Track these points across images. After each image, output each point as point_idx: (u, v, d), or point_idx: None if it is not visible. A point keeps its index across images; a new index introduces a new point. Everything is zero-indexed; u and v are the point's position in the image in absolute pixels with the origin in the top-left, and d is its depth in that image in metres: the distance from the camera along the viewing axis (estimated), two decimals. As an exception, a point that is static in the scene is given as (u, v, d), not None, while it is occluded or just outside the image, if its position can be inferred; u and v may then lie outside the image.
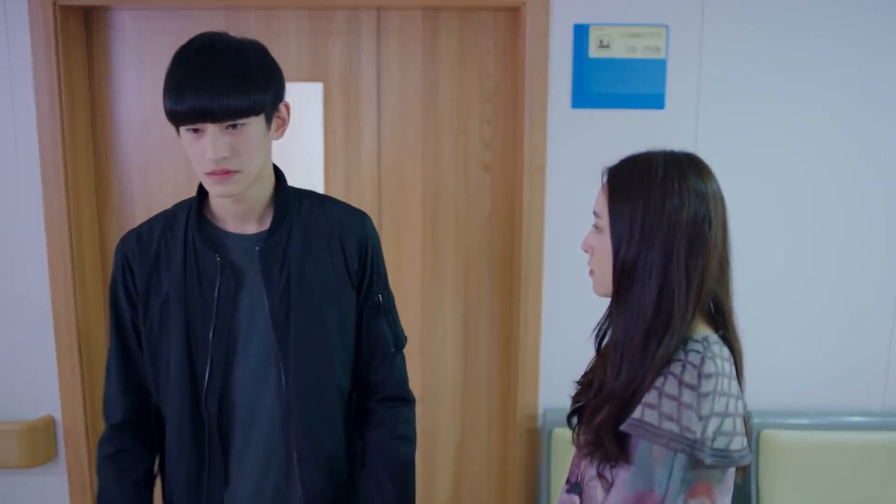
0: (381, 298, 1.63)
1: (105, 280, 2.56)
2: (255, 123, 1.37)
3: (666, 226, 1.22)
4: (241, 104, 1.32)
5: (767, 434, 2.42)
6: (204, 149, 1.34)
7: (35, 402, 2.51)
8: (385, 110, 2.51)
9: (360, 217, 1.61)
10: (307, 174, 2.51)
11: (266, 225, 1.51)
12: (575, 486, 1.38)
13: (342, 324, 1.56)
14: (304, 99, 2.44)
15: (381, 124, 2.51)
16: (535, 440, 2.54)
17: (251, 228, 1.51)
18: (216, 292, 1.46)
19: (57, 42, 2.32)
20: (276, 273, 1.48)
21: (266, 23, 2.45)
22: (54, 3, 2.29)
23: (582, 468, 1.35)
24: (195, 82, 1.30)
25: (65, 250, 2.40)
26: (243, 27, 2.43)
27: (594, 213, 1.33)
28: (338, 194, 2.50)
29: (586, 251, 1.38)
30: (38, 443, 2.49)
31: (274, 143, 1.48)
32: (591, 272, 1.37)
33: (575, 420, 1.43)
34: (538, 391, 2.52)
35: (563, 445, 2.38)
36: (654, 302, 1.22)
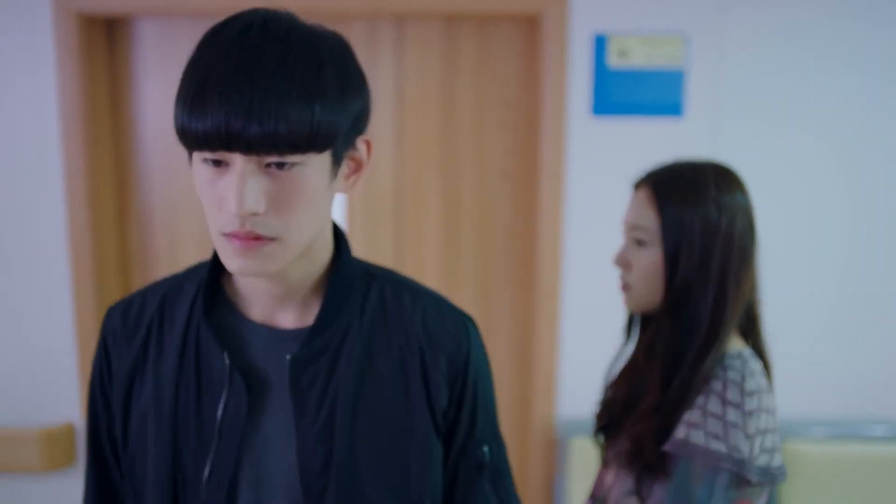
0: (486, 453, 1.10)
1: (127, 287, 2.59)
2: (316, 164, 0.88)
3: (722, 240, 1.23)
4: (300, 130, 0.83)
5: (787, 447, 2.39)
6: (224, 194, 0.85)
7: (56, 408, 2.54)
8: (404, 118, 2.52)
9: (458, 323, 1.08)
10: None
11: (310, 317, 1.01)
12: (598, 502, 1.37)
13: (416, 490, 1.02)
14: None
15: (400, 132, 2.52)
16: (552, 451, 2.53)
17: (287, 320, 1.01)
18: (220, 411, 0.97)
19: (80, 52, 2.35)
20: (314, 397, 0.97)
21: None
22: (77, 14, 2.32)
23: (608, 483, 1.34)
24: (227, 86, 0.81)
25: (87, 257, 2.43)
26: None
27: (633, 225, 1.30)
28: (356, 203, 2.53)
29: (621, 266, 1.34)
30: (58, 447, 2.51)
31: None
32: (626, 287, 1.34)
33: (601, 436, 1.42)
34: (554, 401, 2.51)
35: (581, 456, 2.36)
36: (709, 316, 1.23)
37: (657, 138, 2.37)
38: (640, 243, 1.29)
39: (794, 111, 2.37)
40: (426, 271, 2.59)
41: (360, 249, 2.57)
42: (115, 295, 2.55)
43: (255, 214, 0.85)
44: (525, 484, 2.65)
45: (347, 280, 1.02)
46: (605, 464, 1.38)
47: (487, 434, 1.10)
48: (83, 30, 2.35)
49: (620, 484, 1.28)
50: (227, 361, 0.97)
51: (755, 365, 1.24)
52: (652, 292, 1.28)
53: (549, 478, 2.56)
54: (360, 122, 0.94)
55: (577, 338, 2.48)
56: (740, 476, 1.15)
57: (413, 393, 1.02)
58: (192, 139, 0.84)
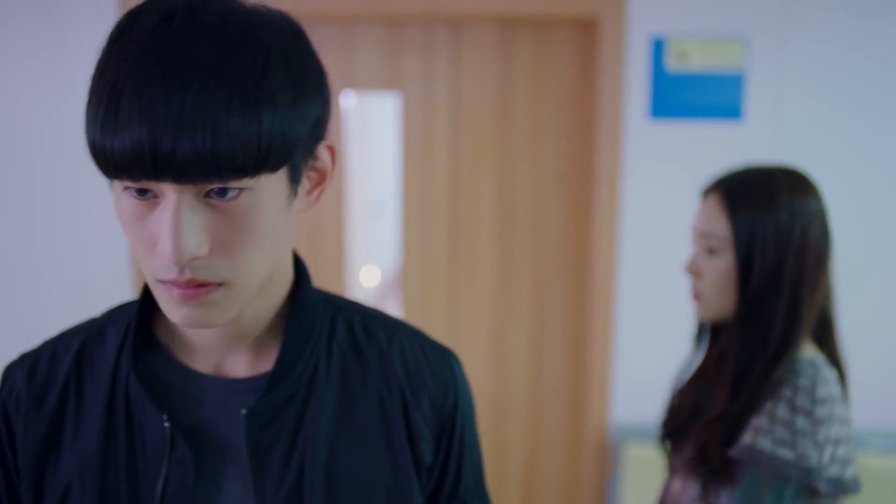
0: None
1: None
2: (269, 187, 0.71)
3: (795, 247, 1.21)
4: (245, 147, 0.65)
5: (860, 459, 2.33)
6: (156, 234, 0.68)
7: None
8: (460, 121, 2.52)
9: (441, 362, 0.92)
10: (380, 184, 2.54)
11: (267, 362, 0.83)
12: None
13: None
14: (380, 109, 2.47)
15: (456, 135, 2.52)
16: (605, 456, 2.51)
17: (238, 367, 0.83)
18: (159, 487, 0.78)
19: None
20: (277, 460, 0.80)
21: (343, 36, 2.49)
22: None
23: (675, 491, 1.33)
24: (148, 93, 0.63)
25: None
26: (318, 41, 2.47)
27: (704, 233, 1.28)
28: (411, 205, 2.54)
29: (692, 274, 1.32)
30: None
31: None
32: (698, 296, 1.32)
33: (668, 443, 1.40)
34: (607, 406, 2.49)
35: (635, 462, 2.34)
36: (782, 324, 1.21)
37: (716, 142, 2.33)
38: (711, 251, 1.27)
39: (857, 115, 2.32)
40: (480, 274, 2.59)
41: (414, 252, 2.58)
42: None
43: (197, 258, 0.68)
44: (576, 490, 2.64)
45: (310, 314, 0.85)
46: (673, 471, 1.36)
47: (472, 490, 0.95)
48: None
49: (688, 491, 1.27)
50: (166, 424, 0.78)
51: (829, 373, 1.21)
52: (724, 301, 1.26)
53: (602, 483, 2.54)
54: (320, 126, 0.75)
55: (631, 342, 2.46)
56: (809, 485, 1.13)
57: (397, 447, 0.85)
58: (108, 163, 0.65)
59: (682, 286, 2.13)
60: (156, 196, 0.68)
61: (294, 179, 0.74)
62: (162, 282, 0.70)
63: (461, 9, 2.35)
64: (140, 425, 0.80)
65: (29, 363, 0.85)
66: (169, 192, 0.66)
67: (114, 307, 0.89)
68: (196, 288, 0.69)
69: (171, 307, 0.71)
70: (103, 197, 2.44)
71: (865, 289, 2.40)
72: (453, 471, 0.91)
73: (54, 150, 2.45)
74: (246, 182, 0.67)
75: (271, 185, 0.70)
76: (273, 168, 0.69)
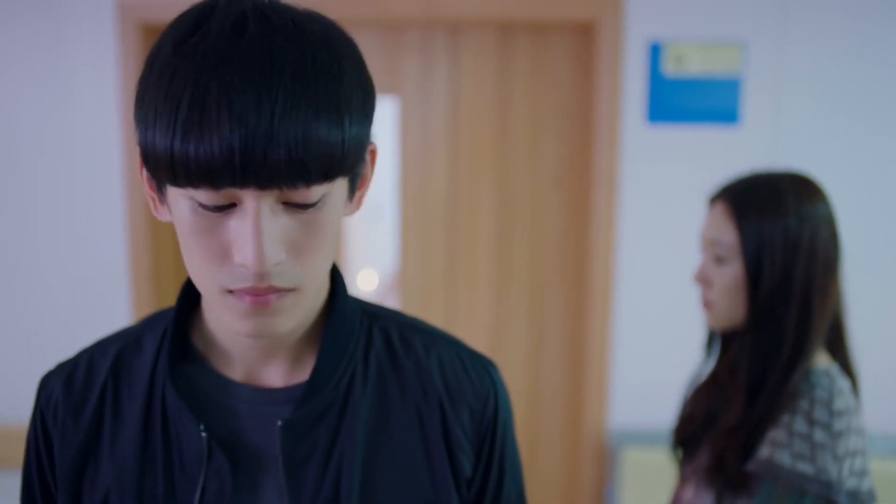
0: None
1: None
2: (338, 191, 0.72)
3: (804, 253, 1.20)
4: (331, 153, 0.66)
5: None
6: (235, 243, 0.68)
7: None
8: (458, 126, 2.52)
9: (481, 372, 0.91)
10: (378, 188, 2.54)
11: (303, 372, 0.83)
12: None
13: None
14: (379, 112, 2.48)
15: (454, 139, 2.53)
16: (603, 460, 2.51)
17: (274, 376, 0.83)
18: (197, 496, 0.78)
19: (142, 60, 2.39)
20: (313, 472, 0.79)
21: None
22: (140, 24, 2.37)
23: (686, 500, 1.31)
24: (237, 99, 0.62)
25: (146, 260, 2.48)
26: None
27: (712, 241, 1.28)
28: (410, 210, 2.55)
29: (701, 283, 1.31)
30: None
31: None
32: (708, 305, 1.31)
33: (679, 451, 1.40)
34: (605, 411, 2.49)
35: (633, 467, 2.34)
36: (794, 331, 1.20)
37: (713, 146, 2.34)
38: (719, 259, 1.26)
39: (855, 119, 2.33)
40: (478, 277, 2.59)
41: (412, 256, 2.59)
42: (172, 300, 2.59)
43: (277, 265, 0.68)
44: (575, 494, 2.64)
45: (347, 324, 0.84)
46: (684, 479, 1.35)
47: (514, 501, 0.92)
48: (146, 39, 2.40)
49: (700, 501, 1.26)
50: (203, 433, 0.77)
51: (843, 383, 1.20)
52: (734, 309, 1.25)
53: (600, 488, 2.54)
54: (369, 131, 0.76)
55: (630, 346, 2.46)
56: (827, 499, 1.11)
57: (435, 459, 0.83)
58: (190, 172, 0.63)
59: (680, 290, 2.14)
60: (232, 205, 0.67)
61: (353, 183, 0.75)
62: (231, 292, 0.69)
63: (460, 13, 2.36)
64: (177, 434, 0.79)
65: (66, 372, 0.85)
66: (248, 200, 0.65)
67: (150, 314, 0.89)
68: (268, 295, 0.69)
69: (240, 318, 0.70)
70: (103, 197, 2.46)
71: (866, 293, 2.40)
72: (494, 483, 0.89)
73: (54, 150, 2.45)
74: (326, 187, 0.68)
75: (339, 189, 0.72)
76: (347, 172, 0.70)
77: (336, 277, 0.85)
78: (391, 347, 0.86)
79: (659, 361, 2.39)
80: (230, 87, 0.62)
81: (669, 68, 2.31)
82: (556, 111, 2.50)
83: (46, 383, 0.85)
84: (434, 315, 2.59)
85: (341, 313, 0.83)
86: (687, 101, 2.33)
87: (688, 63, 2.31)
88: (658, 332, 2.41)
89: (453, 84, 2.50)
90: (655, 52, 2.31)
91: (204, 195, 0.65)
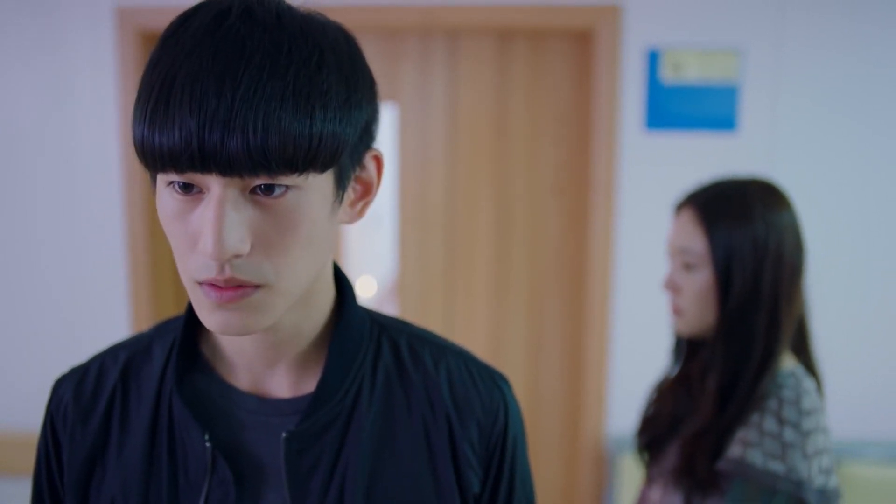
0: None
1: (183, 297, 2.64)
2: (316, 188, 0.70)
3: (773, 260, 1.22)
4: (296, 143, 0.65)
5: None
6: (198, 230, 0.67)
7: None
8: (457, 132, 2.53)
9: (491, 386, 0.88)
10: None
11: (309, 383, 0.82)
12: None
13: None
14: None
15: (453, 146, 2.54)
16: (601, 467, 2.51)
17: (280, 387, 0.82)
18: None
19: (140, 67, 2.40)
20: (317, 486, 0.79)
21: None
22: (138, 31, 2.38)
23: (653, 501, 1.33)
24: (199, 86, 0.63)
25: (145, 265, 2.48)
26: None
27: (680, 248, 1.28)
28: (408, 216, 2.55)
29: (670, 290, 1.32)
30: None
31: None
32: (677, 311, 1.32)
33: (645, 453, 1.41)
34: (603, 417, 2.49)
35: (631, 473, 2.34)
36: (764, 336, 1.21)
37: (710, 153, 2.35)
38: (688, 267, 1.27)
39: (852, 126, 2.34)
40: (476, 284, 2.60)
41: (411, 262, 2.59)
42: (170, 305, 2.60)
43: (238, 256, 0.66)
44: (573, 500, 2.64)
45: (355, 334, 0.83)
46: (650, 480, 1.36)
47: None
48: (144, 46, 2.40)
49: (668, 501, 1.27)
50: (208, 443, 0.77)
51: (809, 383, 1.22)
52: (704, 315, 1.27)
53: (598, 494, 2.54)
54: (368, 133, 0.76)
55: (628, 353, 2.46)
56: (798, 497, 1.13)
57: (442, 474, 0.82)
58: (155, 157, 0.64)
59: (677, 296, 2.14)
60: (200, 192, 0.67)
61: (340, 185, 0.73)
62: (200, 284, 0.68)
63: (458, 20, 2.36)
64: (182, 444, 0.79)
65: (77, 377, 0.85)
66: (214, 187, 0.65)
67: (161, 322, 0.89)
68: (234, 290, 0.67)
69: (208, 312, 0.70)
70: (103, 197, 2.46)
71: (861, 298, 2.40)
72: (503, 499, 0.87)
73: (54, 152, 2.46)
74: (293, 179, 0.66)
75: (318, 186, 0.69)
76: (321, 168, 0.68)
77: (344, 285, 0.84)
78: (400, 359, 0.85)
79: (657, 367, 2.38)
80: (195, 76, 0.63)
81: (667, 75, 2.32)
82: (554, 118, 2.51)
83: (58, 388, 0.86)
84: (433, 321, 2.60)
85: (349, 324, 0.82)
86: (685, 107, 2.34)
87: (686, 70, 2.32)
88: (656, 338, 2.41)
89: (452, 91, 2.51)
90: (653, 59, 2.32)
91: (175, 177, 0.66)
